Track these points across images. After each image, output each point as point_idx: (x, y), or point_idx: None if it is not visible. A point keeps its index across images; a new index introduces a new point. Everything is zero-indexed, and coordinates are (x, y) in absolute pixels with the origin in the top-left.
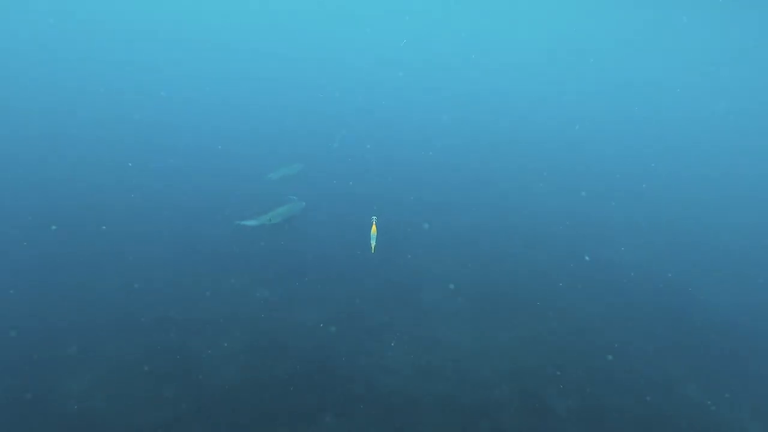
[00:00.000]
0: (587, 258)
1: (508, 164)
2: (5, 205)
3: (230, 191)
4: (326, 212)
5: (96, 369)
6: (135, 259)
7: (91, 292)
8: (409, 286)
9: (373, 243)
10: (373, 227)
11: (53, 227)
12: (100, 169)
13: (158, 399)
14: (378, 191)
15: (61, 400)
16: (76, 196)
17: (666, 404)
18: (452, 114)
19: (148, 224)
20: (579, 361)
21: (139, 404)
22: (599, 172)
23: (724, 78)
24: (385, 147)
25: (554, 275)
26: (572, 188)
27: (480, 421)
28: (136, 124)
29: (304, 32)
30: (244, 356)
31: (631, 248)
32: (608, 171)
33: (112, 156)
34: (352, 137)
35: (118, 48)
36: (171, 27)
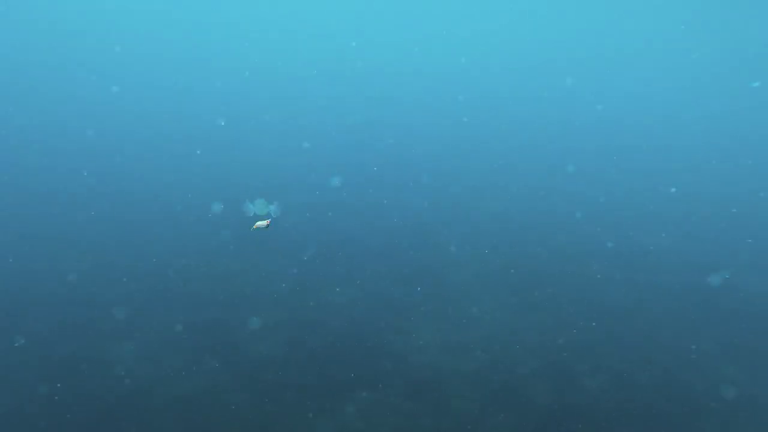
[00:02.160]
0: (610, 245)
1: (533, 149)
2: (72, 187)
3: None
4: (355, 198)
5: (141, 339)
6: (174, 241)
7: (135, 270)
8: (437, 268)
9: (260, 224)
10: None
11: (96, 203)
12: (156, 163)
13: (199, 369)
14: (403, 178)
15: (111, 366)
16: (127, 185)
17: (699, 382)
18: (476, 104)
19: (183, 209)
20: (609, 340)
21: (181, 373)
22: (626, 156)
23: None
24: (408, 137)
25: (583, 259)
26: (599, 173)
27: (510, 397)
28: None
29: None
30: (278, 332)
31: (664, 233)
32: (635, 152)
33: (168, 152)
34: (376, 129)
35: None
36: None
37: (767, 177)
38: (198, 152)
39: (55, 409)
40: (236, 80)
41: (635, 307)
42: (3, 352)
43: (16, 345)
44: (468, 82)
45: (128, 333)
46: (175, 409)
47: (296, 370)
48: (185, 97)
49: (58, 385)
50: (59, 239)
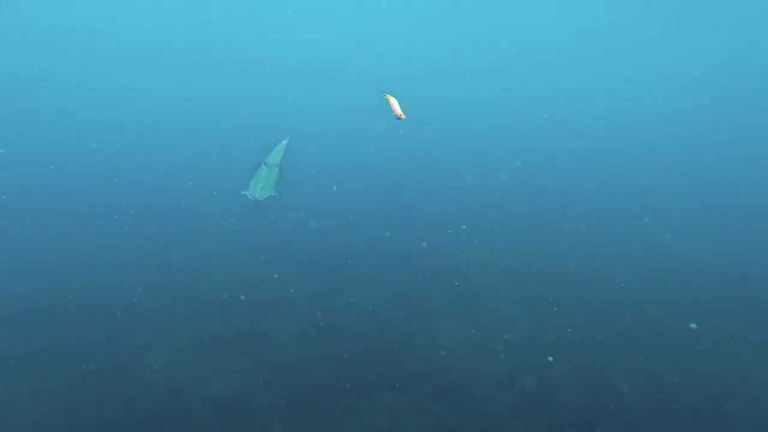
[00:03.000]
0: (634, 246)
1: (554, 151)
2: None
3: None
4: (372, 202)
5: (174, 343)
6: (197, 248)
7: (162, 276)
8: (460, 270)
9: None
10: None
11: (131, 211)
12: (174, 170)
13: (231, 371)
14: (421, 182)
15: (146, 369)
16: (147, 191)
17: (735, 384)
18: (497, 105)
19: (202, 219)
20: (637, 341)
21: (214, 375)
22: (653, 156)
23: None
24: (427, 142)
25: (608, 260)
26: (622, 173)
27: (537, 398)
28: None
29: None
30: (305, 335)
31: (688, 233)
32: (661, 149)
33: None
34: (396, 128)
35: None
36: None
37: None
38: (214, 161)
39: (93, 418)
40: (253, 84)
41: (663, 309)
42: (35, 362)
43: (48, 354)
44: (487, 83)
45: (160, 339)
46: (210, 411)
47: (324, 372)
48: (199, 106)
49: (93, 393)
50: (89, 247)
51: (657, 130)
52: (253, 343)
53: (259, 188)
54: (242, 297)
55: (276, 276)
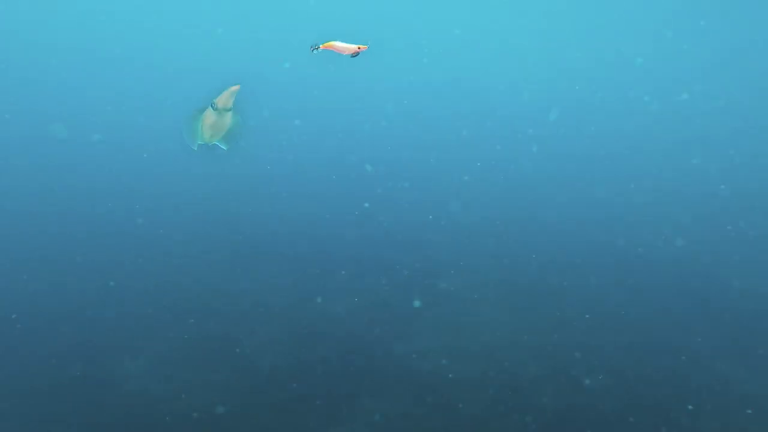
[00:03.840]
0: (608, 248)
1: (529, 156)
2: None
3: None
4: (349, 209)
5: (145, 355)
6: (165, 256)
7: (130, 289)
8: (433, 275)
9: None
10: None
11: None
12: (134, 168)
13: (207, 382)
14: (396, 189)
15: (117, 382)
16: (108, 198)
17: (694, 376)
18: (471, 111)
19: (170, 224)
20: (607, 340)
21: (190, 387)
22: (620, 161)
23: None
24: (400, 146)
25: (580, 262)
26: (597, 177)
27: (515, 399)
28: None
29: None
30: (281, 344)
31: (658, 236)
32: (630, 157)
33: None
34: (368, 139)
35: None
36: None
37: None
38: (199, 167)
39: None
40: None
41: (633, 309)
42: (8, 376)
43: (20, 367)
44: (466, 91)
45: (133, 350)
46: (183, 423)
47: (302, 381)
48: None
49: (68, 406)
50: (59, 255)
51: (640, 137)
52: (227, 353)
53: (207, 135)
54: (212, 306)
55: (247, 284)
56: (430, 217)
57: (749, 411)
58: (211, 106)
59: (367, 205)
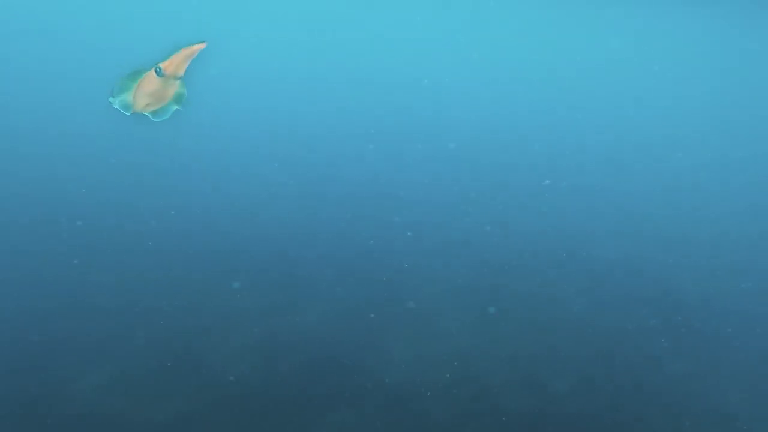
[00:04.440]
0: (571, 257)
1: (501, 164)
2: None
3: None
4: (318, 220)
5: (108, 370)
6: (128, 267)
7: (89, 301)
8: (403, 284)
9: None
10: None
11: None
12: (86, 166)
13: (171, 396)
14: (366, 199)
15: (77, 398)
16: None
17: (656, 379)
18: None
19: (134, 232)
20: (574, 346)
21: (154, 401)
22: (586, 171)
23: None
24: (367, 160)
25: (547, 271)
26: (565, 184)
27: (485, 405)
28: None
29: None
30: (249, 356)
31: (619, 244)
32: (597, 167)
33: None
34: (337, 149)
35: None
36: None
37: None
38: (150, 171)
39: None
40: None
41: (597, 316)
42: None
43: None
44: (433, 104)
45: (93, 365)
46: None
47: (273, 393)
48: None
49: (23, 424)
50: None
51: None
52: (192, 366)
53: (142, 104)
54: (174, 318)
55: (217, 293)
56: (398, 225)
57: (713, 415)
58: (156, 70)
59: (334, 214)
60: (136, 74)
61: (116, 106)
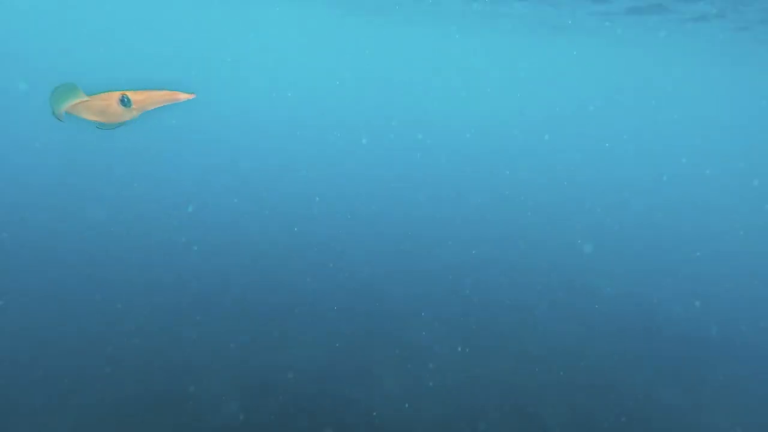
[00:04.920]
0: (561, 288)
1: (480, 192)
2: None
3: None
4: (304, 257)
5: (83, 410)
6: (109, 305)
7: (70, 340)
8: (392, 319)
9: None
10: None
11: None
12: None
13: None
14: (352, 236)
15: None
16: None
17: (647, 408)
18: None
19: (117, 271)
20: (565, 379)
21: None
22: (575, 201)
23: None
24: (352, 198)
25: (532, 303)
26: (555, 222)
27: None
28: None
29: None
30: (236, 397)
31: (604, 272)
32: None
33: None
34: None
35: None
36: None
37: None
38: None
39: None
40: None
41: (587, 346)
42: None
43: None
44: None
45: (67, 405)
46: None
47: (264, 429)
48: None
49: None
50: None
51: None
52: (177, 410)
53: (90, 118)
54: (161, 359)
55: (192, 336)
56: (387, 261)
57: None
58: (123, 100)
59: (322, 251)
60: (72, 89)
61: (52, 114)
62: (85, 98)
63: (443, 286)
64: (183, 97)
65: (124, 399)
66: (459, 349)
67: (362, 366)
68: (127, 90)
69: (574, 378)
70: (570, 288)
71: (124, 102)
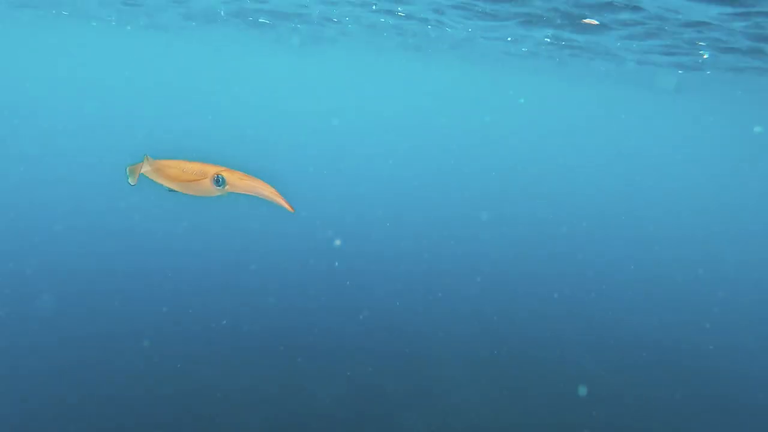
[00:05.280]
0: (584, 329)
1: (489, 228)
2: None
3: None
4: (327, 296)
5: None
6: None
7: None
8: (418, 358)
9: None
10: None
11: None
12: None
13: None
14: (374, 272)
15: None
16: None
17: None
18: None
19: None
20: (593, 421)
21: None
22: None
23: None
24: (371, 231)
25: (560, 344)
26: (574, 255)
27: None
28: None
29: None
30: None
31: (642, 311)
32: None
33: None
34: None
35: None
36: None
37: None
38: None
39: None
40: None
41: (618, 392)
42: None
43: None
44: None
45: None
46: None
47: None
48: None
49: None
50: None
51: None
52: None
53: (166, 184)
54: (183, 403)
55: (223, 370)
56: (413, 299)
57: None
58: (217, 179)
59: (348, 286)
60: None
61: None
62: (170, 167)
63: (469, 325)
64: (283, 203)
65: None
66: (484, 387)
67: (389, 404)
68: (221, 167)
69: (605, 422)
70: (598, 331)
71: (219, 183)
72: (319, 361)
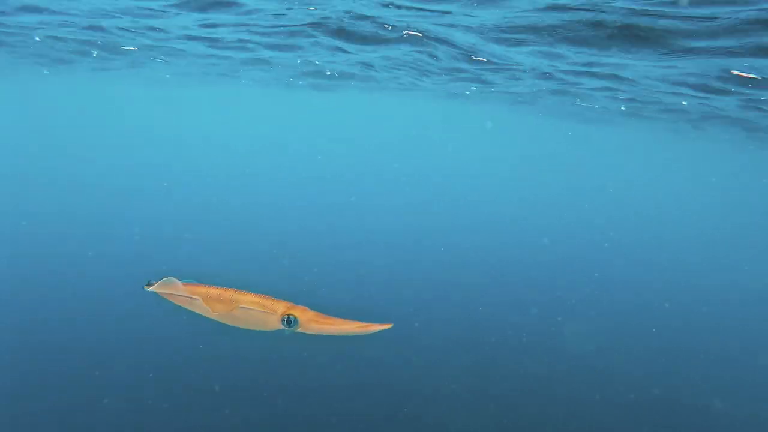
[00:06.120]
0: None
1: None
2: None
3: None
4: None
5: None
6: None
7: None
8: (415, 403)
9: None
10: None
11: None
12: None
13: None
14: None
15: None
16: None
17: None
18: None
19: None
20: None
21: None
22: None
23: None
24: (355, 269)
25: (553, 375)
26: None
27: None
28: None
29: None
30: None
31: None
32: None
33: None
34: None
35: None
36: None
37: None
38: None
39: None
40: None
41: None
42: None
43: None
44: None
45: None
46: None
47: None
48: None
49: None
50: None
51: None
52: None
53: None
54: None
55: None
56: (398, 342)
57: None
58: (288, 320)
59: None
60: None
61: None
62: (216, 296)
63: (460, 360)
64: (376, 327)
65: None
66: (480, 425)
67: None
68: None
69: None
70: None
71: (290, 324)
72: (306, 409)
